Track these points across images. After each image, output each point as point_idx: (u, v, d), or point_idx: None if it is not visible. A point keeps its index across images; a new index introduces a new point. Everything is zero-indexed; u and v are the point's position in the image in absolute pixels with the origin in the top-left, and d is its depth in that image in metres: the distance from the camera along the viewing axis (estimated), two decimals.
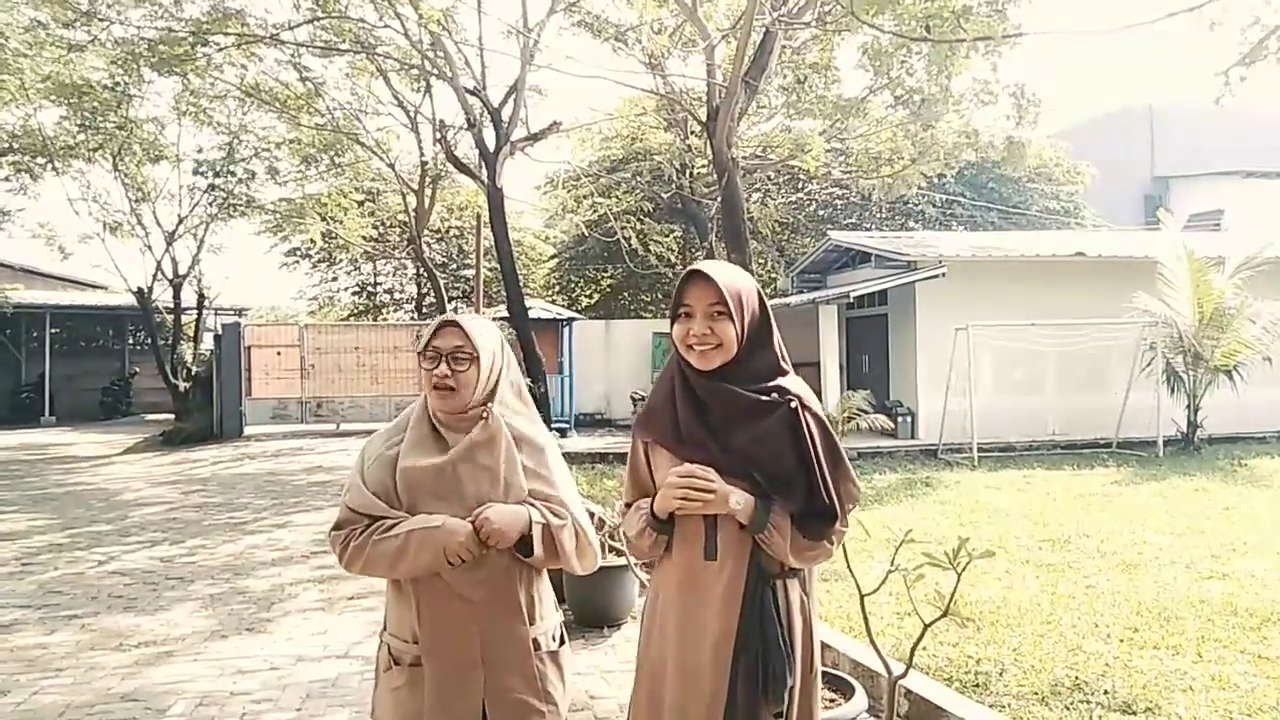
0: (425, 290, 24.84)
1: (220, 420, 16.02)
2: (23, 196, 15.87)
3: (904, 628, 4.40)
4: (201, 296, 17.86)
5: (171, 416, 17.31)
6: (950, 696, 3.47)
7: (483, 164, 13.13)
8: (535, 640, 1.96)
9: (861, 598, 3.14)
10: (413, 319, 24.44)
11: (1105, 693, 3.59)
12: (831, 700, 3.12)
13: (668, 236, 21.28)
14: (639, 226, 19.69)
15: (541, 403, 12.17)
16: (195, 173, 16.79)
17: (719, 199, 12.55)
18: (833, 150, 16.97)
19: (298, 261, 25.70)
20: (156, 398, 20.21)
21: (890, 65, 12.34)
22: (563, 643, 2.06)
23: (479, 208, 17.02)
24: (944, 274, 12.31)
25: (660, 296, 22.49)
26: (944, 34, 9.23)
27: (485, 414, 1.98)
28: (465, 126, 13.44)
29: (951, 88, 12.59)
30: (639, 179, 19.62)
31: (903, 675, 3.05)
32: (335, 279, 26.94)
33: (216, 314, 19.69)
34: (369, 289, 27.09)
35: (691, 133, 17.69)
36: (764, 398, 1.84)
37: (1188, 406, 11.78)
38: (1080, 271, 13.12)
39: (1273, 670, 3.82)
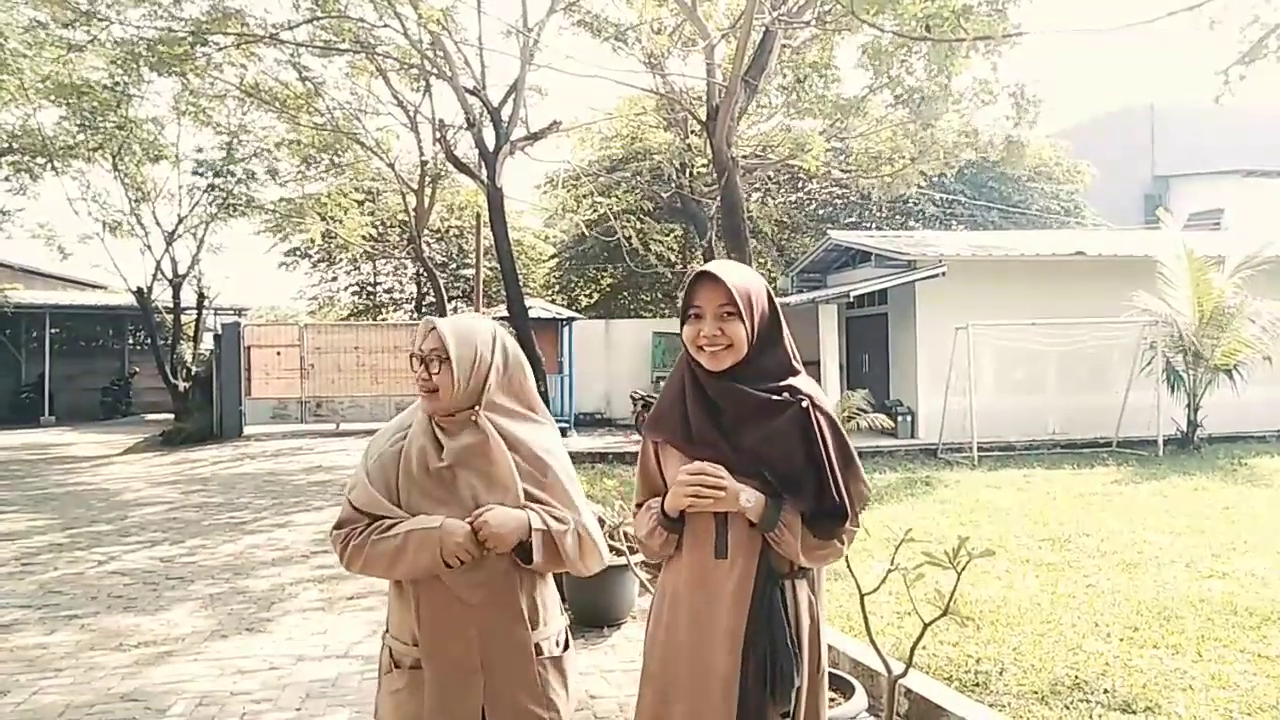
0: (425, 290, 24.84)
1: (220, 420, 16.02)
2: (22, 196, 15.89)
3: (904, 627, 4.40)
4: (201, 296, 17.86)
5: (171, 416, 17.31)
6: (950, 696, 3.47)
7: (482, 163, 13.12)
8: (538, 645, 1.94)
9: (861, 597, 3.14)
10: (412, 319, 24.42)
11: (1105, 692, 3.59)
12: (832, 699, 3.12)
13: (668, 236, 21.27)
14: (639, 226, 19.67)
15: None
16: (195, 172, 16.81)
17: (719, 198, 12.53)
18: (833, 150, 16.95)
19: (297, 261, 25.71)
20: (156, 398, 20.21)
21: (890, 64, 12.33)
22: (567, 648, 2.03)
23: (479, 207, 17.02)
24: (944, 273, 12.31)
25: (660, 296, 22.50)
26: (944, 33, 9.22)
27: (474, 416, 1.96)
28: (465, 126, 13.43)
29: (951, 87, 12.59)
30: (639, 178, 19.61)
31: (903, 674, 3.06)
32: (335, 279, 26.96)
33: (216, 314, 19.69)
34: (369, 289, 27.10)
35: (691, 132, 17.67)
36: (775, 397, 1.84)
37: (1188, 406, 11.78)
38: (1080, 271, 13.12)
39: (1273, 669, 3.82)
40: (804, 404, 1.83)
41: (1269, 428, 12.78)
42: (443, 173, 18.21)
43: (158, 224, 17.00)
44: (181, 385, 16.92)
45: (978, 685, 3.70)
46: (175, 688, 4.11)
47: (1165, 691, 3.59)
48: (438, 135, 15.35)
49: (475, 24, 13.20)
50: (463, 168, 14.35)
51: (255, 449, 14.29)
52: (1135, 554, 6.02)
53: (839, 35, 13.08)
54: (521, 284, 14.06)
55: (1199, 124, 24.82)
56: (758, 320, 1.86)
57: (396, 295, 27.53)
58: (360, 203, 20.52)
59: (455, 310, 20.96)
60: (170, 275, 17.38)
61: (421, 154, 17.47)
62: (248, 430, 16.20)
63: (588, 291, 24.17)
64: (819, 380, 12.66)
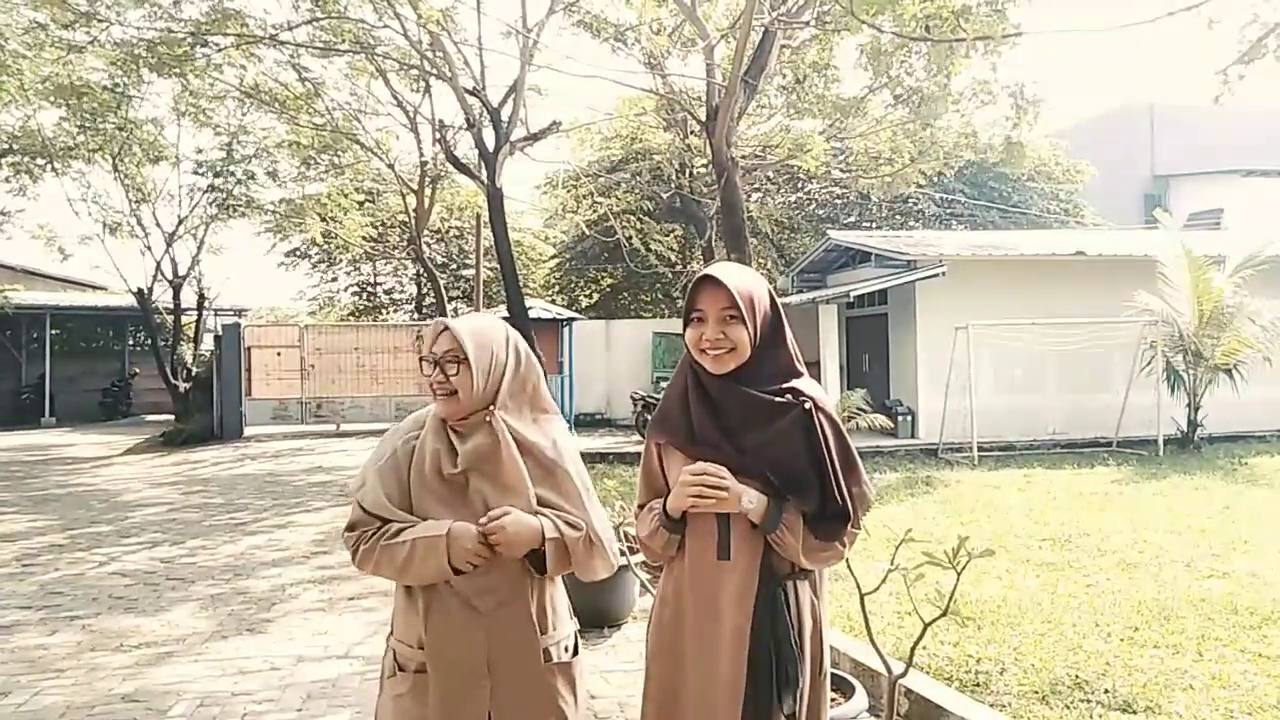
0: (425, 290, 24.86)
1: (220, 421, 16.02)
2: (23, 198, 15.90)
3: (904, 627, 4.40)
4: (201, 297, 17.87)
5: (172, 417, 17.32)
6: (951, 696, 3.47)
7: (482, 164, 13.11)
8: (546, 650, 1.91)
9: (862, 597, 3.14)
10: (412, 319, 24.44)
11: (1106, 691, 3.59)
12: (832, 700, 3.12)
13: (667, 236, 21.27)
14: (639, 226, 19.68)
15: None
16: (195, 172, 16.82)
17: (718, 198, 12.54)
18: (832, 150, 16.95)
19: (297, 262, 25.74)
20: (157, 398, 20.22)
21: (889, 65, 12.32)
22: (576, 654, 2.00)
23: (479, 208, 17.02)
24: (944, 273, 12.31)
25: (660, 296, 22.50)
26: (943, 34, 9.23)
27: (488, 418, 1.92)
28: (465, 126, 13.43)
29: (951, 87, 12.58)
30: (639, 179, 19.62)
31: (903, 674, 3.06)
32: (335, 279, 26.97)
33: (216, 315, 19.69)
34: (369, 289, 27.11)
35: (691, 132, 17.67)
36: (777, 399, 1.84)
37: (1188, 405, 11.78)
38: (1080, 271, 13.12)
39: (1273, 669, 3.82)
40: (806, 406, 1.83)
41: (1269, 427, 12.78)
42: (443, 173, 18.23)
43: (158, 225, 17.02)
44: (182, 386, 16.93)
45: (978, 685, 3.70)
46: (176, 688, 4.12)
47: (1166, 691, 3.59)
48: (437, 136, 15.36)
49: (475, 24, 13.21)
50: (462, 168, 14.35)
51: (256, 450, 14.29)
52: (1135, 554, 6.02)
53: (838, 35, 13.07)
54: (521, 284, 14.06)
55: (1198, 123, 24.81)
56: (760, 323, 1.87)
57: (397, 296, 27.56)
58: (360, 203, 20.54)
59: (456, 311, 20.97)
60: (170, 276, 17.39)
61: (421, 154, 17.48)
62: (248, 431, 16.20)
63: (588, 292, 24.17)
64: (819, 380, 12.67)
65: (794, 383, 1.88)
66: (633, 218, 19.50)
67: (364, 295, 27.05)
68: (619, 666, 4.26)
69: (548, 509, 1.90)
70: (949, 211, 22.08)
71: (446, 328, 1.94)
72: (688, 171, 18.98)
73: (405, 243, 23.41)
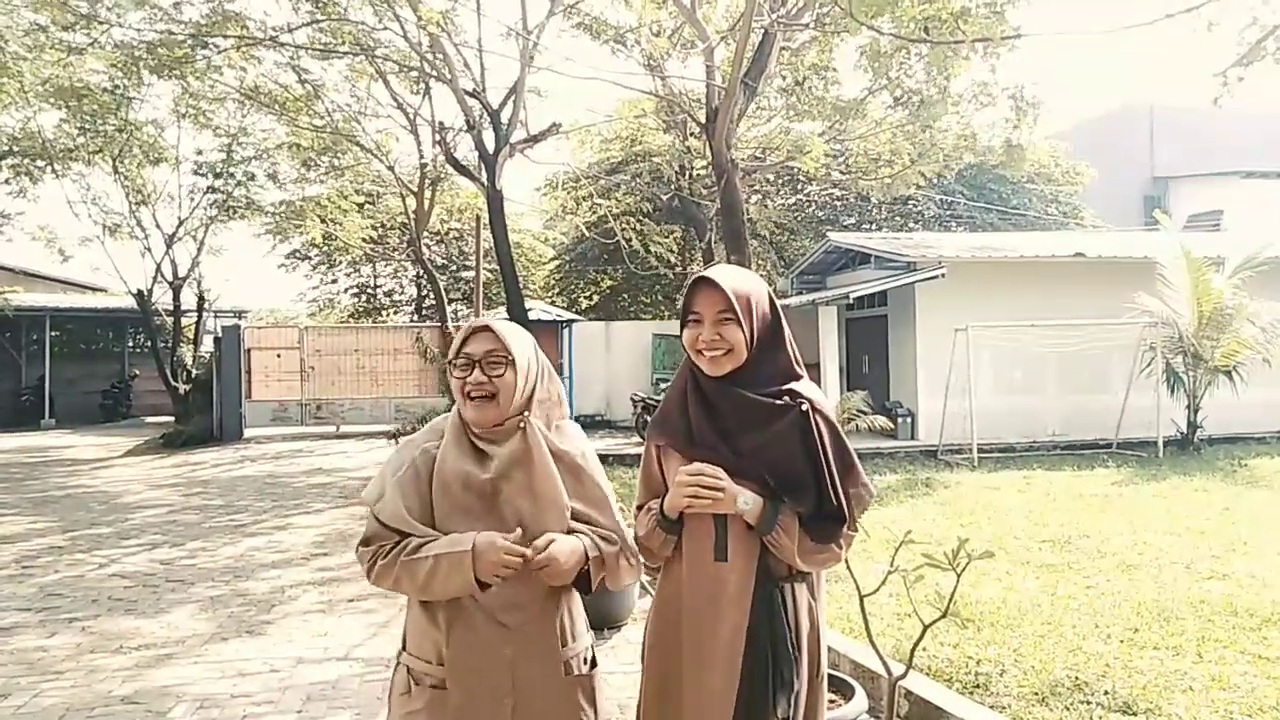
0: (425, 292, 24.87)
1: (220, 423, 16.02)
2: (23, 200, 15.91)
3: (904, 628, 4.40)
4: (201, 299, 17.87)
5: (171, 419, 17.32)
6: (950, 697, 3.47)
7: (482, 166, 13.12)
8: (566, 663, 1.86)
9: (861, 598, 3.14)
10: (412, 321, 24.46)
11: (1105, 693, 3.59)
12: (832, 701, 3.12)
13: (667, 238, 21.30)
14: (638, 228, 19.69)
15: None
16: (195, 173, 16.83)
17: (718, 200, 12.55)
18: (832, 152, 16.97)
19: (297, 264, 25.77)
20: (156, 400, 20.23)
21: (889, 67, 12.34)
22: (594, 666, 1.95)
23: (479, 210, 17.03)
24: (943, 275, 12.31)
25: (660, 298, 22.51)
26: (942, 36, 9.24)
27: (523, 424, 1.85)
28: (464, 128, 13.44)
29: (950, 89, 12.60)
30: (638, 180, 19.64)
31: (903, 676, 3.06)
32: (335, 281, 27.01)
33: (216, 316, 19.70)
34: (368, 291, 27.14)
35: (691, 134, 17.70)
36: (775, 401, 1.85)
37: (1187, 407, 11.78)
38: (1080, 272, 13.13)
39: (1273, 670, 3.82)
40: (804, 408, 1.84)
41: (1269, 429, 12.78)
42: (442, 175, 18.24)
43: (158, 227, 17.04)
44: (182, 388, 16.93)
45: (978, 687, 3.70)
46: (176, 690, 4.11)
47: (1165, 693, 3.59)
48: (437, 138, 15.37)
49: (475, 26, 13.17)
50: (462, 170, 14.36)
51: (255, 451, 14.29)
52: (1135, 555, 6.02)
53: (838, 37, 13.09)
54: (521, 286, 14.07)
55: (1198, 125, 24.81)
56: (757, 325, 1.87)
57: (397, 297, 27.60)
58: (360, 205, 20.56)
59: (456, 313, 20.98)
60: (170, 278, 17.40)
61: (421, 156, 17.49)
62: (248, 433, 16.20)
63: (587, 294, 24.19)
64: (818, 382, 12.68)
65: (792, 385, 1.88)
66: (632, 219, 19.52)
67: (364, 297, 27.08)
68: (619, 668, 4.25)
69: (581, 523, 1.85)
70: (949, 213, 22.09)
71: (487, 327, 1.86)
72: (687, 173, 18.99)
73: (405, 244, 23.44)
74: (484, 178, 13.09)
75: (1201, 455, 11.26)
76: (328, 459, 13.27)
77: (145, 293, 16.98)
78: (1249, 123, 24.73)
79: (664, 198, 19.71)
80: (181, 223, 17.04)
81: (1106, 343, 12.27)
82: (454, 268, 25.12)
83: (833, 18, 11.71)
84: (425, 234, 20.34)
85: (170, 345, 17.68)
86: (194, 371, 17.48)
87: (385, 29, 12.85)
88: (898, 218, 22.60)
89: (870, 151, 16.01)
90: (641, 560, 1.96)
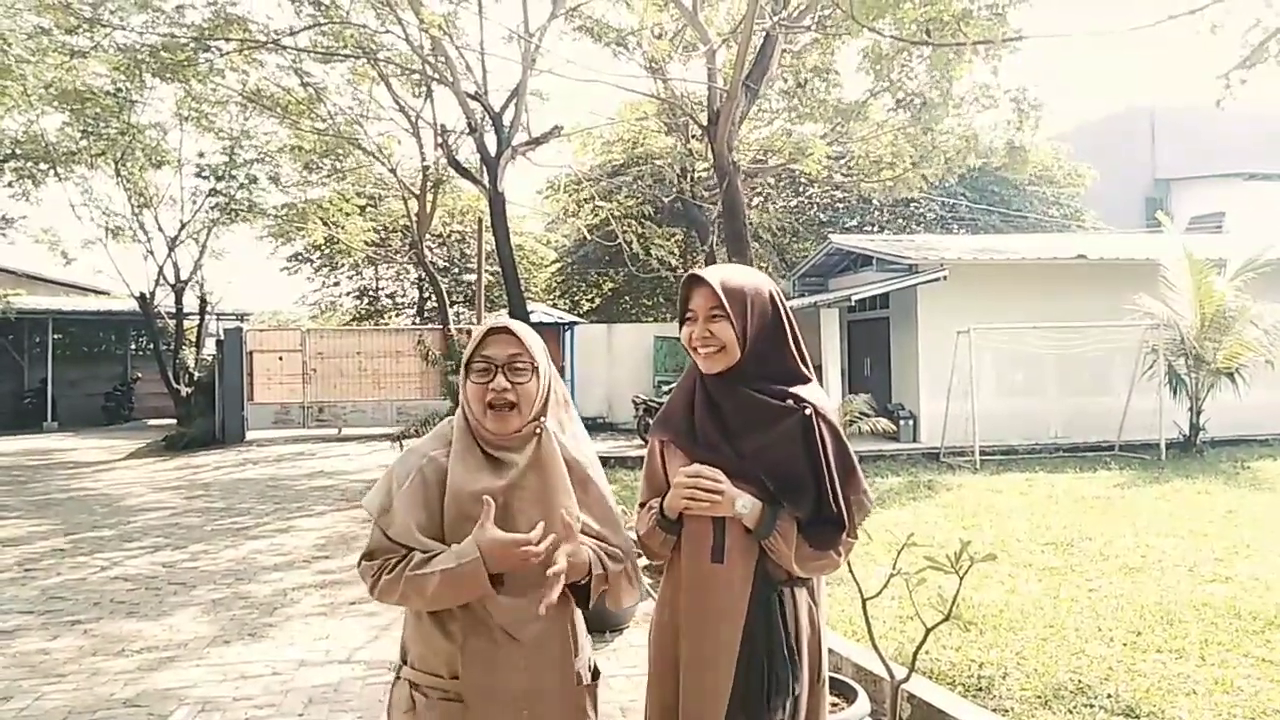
0: (427, 295, 24.89)
1: (222, 425, 16.04)
2: (25, 203, 15.93)
3: (906, 631, 4.39)
4: (203, 301, 17.89)
5: (173, 422, 17.33)
6: (953, 700, 3.46)
7: (484, 168, 13.14)
8: (578, 674, 1.84)
9: (864, 601, 3.14)
10: (414, 323, 24.48)
11: (1108, 696, 3.58)
12: (834, 705, 3.11)
13: (669, 240, 21.30)
14: (640, 230, 19.70)
15: None
16: (197, 177, 16.85)
17: (720, 202, 12.55)
18: (833, 154, 16.97)
19: (299, 266, 25.79)
20: (158, 403, 20.25)
21: (891, 69, 12.34)
22: (596, 675, 1.93)
23: (480, 212, 17.05)
24: (945, 277, 12.30)
25: (662, 300, 22.51)
26: (944, 38, 9.24)
27: (539, 430, 1.78)
28: (466, 131, 13.45)
29: (952, 91, 12.60)
30: (640, 183, 19.64)
31: (905, 679, 3.05)
32: (337, 284, 27.03)
33: (218, 319, 19.73)
34: (370, 293, 27.16)
35: (693, 136, 17.70)
36: (778, 402, 1.84)
37: (1190, 409, 11.76)
38: (1082, 274, 13.11)
39: (1276, 674, 3.81)
40: (807, 411, 1.83)
41: (1271, 431, 12.74)
42: (444, 178, 18.27)
43: (160, 229, 17.06)
44: (184, 390, 16.94)
45: (980, 690, 3.70)
46: (178, 693, 4.11)
47: (1168, 696, 3.58)
48: (439, 140, 15.39)
49: (477, 29, 13.18)
50: (464, 173, 14.38)
51: (257, 454, 14.30)
52: (1138, 558, 6.01)
53: (839, 40, 13.10)
54: (523, 288, 14.08)
55: (1200, 127, 24.79)
56: (752, 322, 1.86)
57: (398, 300, 27.63)
58: (362, 208, 20.59)
59: (458, 315, 20.99)
60: (172, 281, 17.41)
61: (423, 159, 17.52)
62: (250, 435, 16.22)
63: (589, 296, 24.20)
64: (821, 384, 12.67)
65: (797, 388, 1.87)
66: (634, 222, 19.53)
67: (366, 299, 27.10)
68: (620, 671, 4.25)
69: (589, 538, 1.80)
70: (951, 215, 22.09)
71: (507, 329, 1.76)
72: (689, 176, 18.98)
73: (407, 247, 23.45)
74: (486, 180, 13.11)
75: (1204, 457, 11.24)
76: (329, 461, 13.28)
77: (148, 295, 17.00)
78: (1251, 125, 24.70)
79: (666, 200, 19.71)
80: (184, 226, 17.06)
81: (1109, 345, 12.26)
82: (456, 270, 25.14)
83: (834, 20, 11.72)
84: (427, 236, 20.36)
85: (172, 348, 17.69)
86: (196, 374, 17.49)
87: (387, 32, 12.89)
88: (899, 220, 22.59)
89: (872, 154, 16.01)
90: (644, 582, 1.96)
